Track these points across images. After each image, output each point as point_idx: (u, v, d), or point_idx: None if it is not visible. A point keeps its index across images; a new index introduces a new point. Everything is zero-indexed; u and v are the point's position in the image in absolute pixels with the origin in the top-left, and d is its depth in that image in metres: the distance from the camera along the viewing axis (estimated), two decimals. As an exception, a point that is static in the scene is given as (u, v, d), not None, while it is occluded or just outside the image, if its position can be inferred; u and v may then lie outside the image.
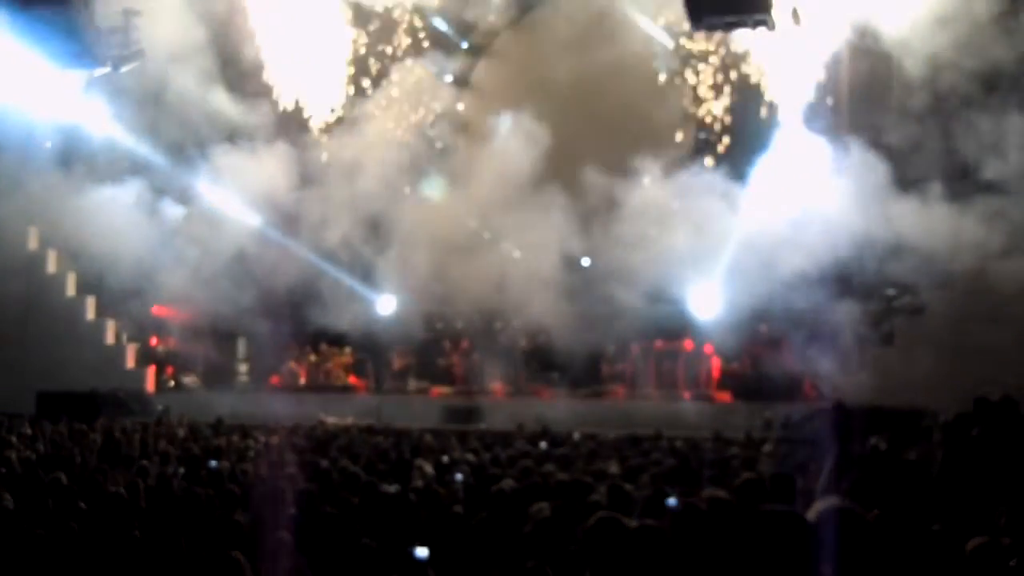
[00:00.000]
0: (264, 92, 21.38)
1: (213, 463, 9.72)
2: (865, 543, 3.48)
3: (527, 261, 19.66)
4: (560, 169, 19.78)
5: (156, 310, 21.77)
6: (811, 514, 3.68)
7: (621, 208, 19.05)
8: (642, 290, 18.79)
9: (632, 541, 3.88)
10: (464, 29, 22.85)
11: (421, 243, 20.23)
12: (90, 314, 21.41)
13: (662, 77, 21.30)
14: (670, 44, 21.13)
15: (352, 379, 21.60)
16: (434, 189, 21.54)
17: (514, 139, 20.20)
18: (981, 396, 8.55)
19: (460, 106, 22.76)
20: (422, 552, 5.33)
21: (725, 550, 3.91)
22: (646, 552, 3.85)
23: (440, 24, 22.67)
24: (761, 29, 16.10)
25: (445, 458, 10.25)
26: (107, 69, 18.98)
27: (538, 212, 19.47)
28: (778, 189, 18.48)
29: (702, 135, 21.05)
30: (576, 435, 13.42)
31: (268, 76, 21.51)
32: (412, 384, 21.20)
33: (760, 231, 17.89)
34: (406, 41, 22.56)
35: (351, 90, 22.22)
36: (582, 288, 19.50)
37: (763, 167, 19.04)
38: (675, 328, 19.85)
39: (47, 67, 17.85)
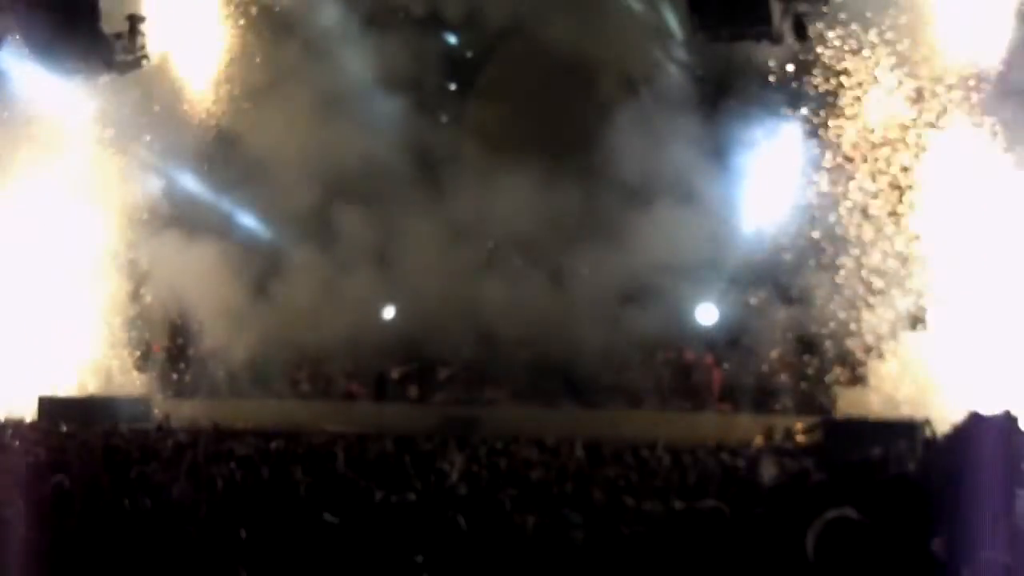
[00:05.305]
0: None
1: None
2: (867, 553, 3.50)
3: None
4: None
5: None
6: (816, 525, 3.70)
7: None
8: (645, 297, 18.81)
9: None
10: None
11: None
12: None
13: None
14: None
15: (353, 385, 21.58)
16: None
17: None
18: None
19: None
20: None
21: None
22: None
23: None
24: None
25: (444, 466, 10.22)
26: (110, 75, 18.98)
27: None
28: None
29: None
30: (577, 444, 13.37)
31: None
32: (412, 391, 21.14)
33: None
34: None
35: None
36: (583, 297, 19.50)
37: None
38: (677, 337, 19.83)
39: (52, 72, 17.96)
